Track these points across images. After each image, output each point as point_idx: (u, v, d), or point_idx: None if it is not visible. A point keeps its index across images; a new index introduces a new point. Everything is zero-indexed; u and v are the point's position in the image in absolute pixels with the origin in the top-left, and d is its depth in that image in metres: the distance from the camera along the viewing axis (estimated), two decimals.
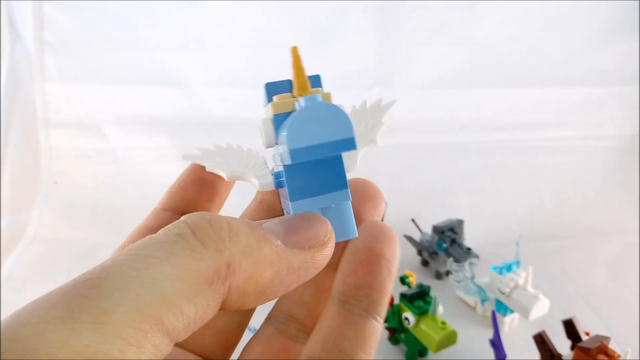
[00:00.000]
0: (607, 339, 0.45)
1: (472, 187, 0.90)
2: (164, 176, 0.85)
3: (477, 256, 0.69)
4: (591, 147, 0.93)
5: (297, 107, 0.17)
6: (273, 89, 0.19)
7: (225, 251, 0.14)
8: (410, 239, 0.76)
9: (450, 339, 0.52)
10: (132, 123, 0.84)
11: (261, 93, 0.20)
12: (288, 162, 0.16)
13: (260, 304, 0.16)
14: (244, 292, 0.14)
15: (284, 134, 0.17)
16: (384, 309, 0.17)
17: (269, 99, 0.19)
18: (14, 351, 0.10)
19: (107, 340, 0.11)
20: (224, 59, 0.83)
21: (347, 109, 0.19)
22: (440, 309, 0.56)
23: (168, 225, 0.14)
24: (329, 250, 0.16)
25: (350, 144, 0.16)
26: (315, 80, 0.20)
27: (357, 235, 0.18)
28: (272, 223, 0.16)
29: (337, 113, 0.16)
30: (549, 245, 0.81)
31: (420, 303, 0.54)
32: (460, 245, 0.70)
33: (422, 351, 0.55)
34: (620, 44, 0.87)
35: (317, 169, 0.18)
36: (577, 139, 0.92)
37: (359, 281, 0.17)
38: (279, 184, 0.19)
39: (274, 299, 0.16)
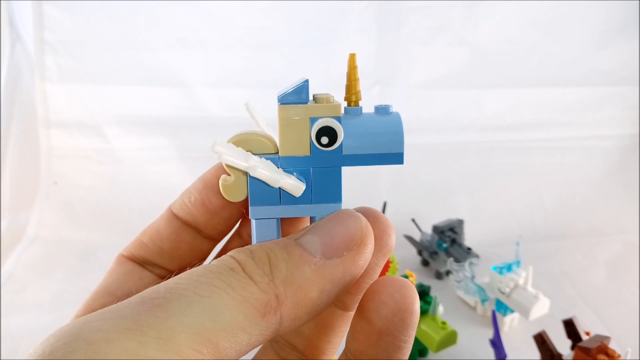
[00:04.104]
0: (608, 338, 0.45)
1: (472, 187, 0.90)
2: (164, 176, 0.86)
3: (477, 256, 0.69)
4: (591, 147, 0.93)
5: (353, 112, 0.18)
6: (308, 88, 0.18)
7: (271, 284, 0.14)
8: (410, 239, 0.76)
9: (450, 339, 0.52)
10: (132, 123, 0.84)
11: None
12: (399, 162, 0.17)
13: (313, 318, 0.16)
14: (295, 317, 0.15)
15: (391, 136, 0.18)
16: None
17: (305, 97, 0.18)
18: (85, 352, 0.11)
19: (168, 356, 0.12)
20: (224, 59, 0.83)
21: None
22: (440, 309, 0.56)
23: (219, 258, 0.15)
24: (369, 249, 0.16)
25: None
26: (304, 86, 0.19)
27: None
28: (308, 236, 0.16)
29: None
30: (549, 245, 0.81)
31: (420, 303, 0.54)
32: (460, 245, 0.70)
33: (422, 351, 0.55)
34: (620, 44, 0.87)
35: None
36: (577, 139, 0.92)
37: (360, 349, 0.16)
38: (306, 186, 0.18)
39: (325, 309, 0.16)
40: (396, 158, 0.17)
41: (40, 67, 0.79)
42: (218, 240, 0.22)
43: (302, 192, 0.18)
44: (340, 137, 0.17)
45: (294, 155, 0.18)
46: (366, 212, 0.18)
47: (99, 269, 0.21)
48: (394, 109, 0.18)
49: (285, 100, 0.18)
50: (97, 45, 0.80)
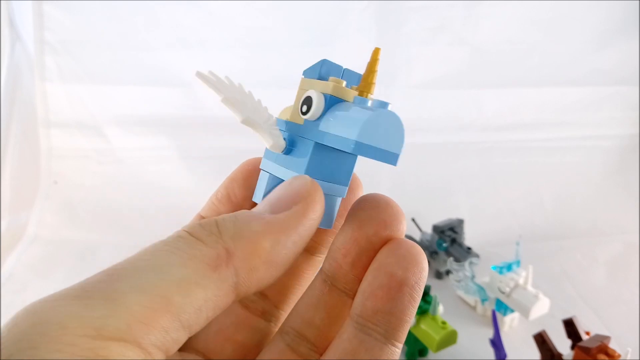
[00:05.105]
0: (608, 338, 0.45)
1: (472, 187, 0.90)
2: (164, 176, 0.86)
3: (477, 255, 0.69)
4: (591, 147, 0.93)
5: (359, 101, 0.18)
6: (329, 68, 0.19)
7: (220, 240, 0.15)
8: (410, 238, 0.76)
9: (450, 338, 0.52)
10: (132, 123, 0.84)
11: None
12: (349, 150, 0.17)
13: (277, 276, 0.16)
14: (250, 268, 0.15)
15: (354, 122, 0.17)
16: (403, 335, 0.17)
17: (321, 75, 0.19)
18: (30, 318, 0.12)
19: (116, 314, 0.12)
20: (224, 59, 0.83)
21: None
22: (440, 309, 0.56)
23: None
24: (316, 200, 0.17)
25: (394, 159, 0.17)
26: (357, 79, 0.20)
27: (331, 227, 0.19)
28: (259, 205, 0.17)
29: (400, 127, 0.17)
30: (549, 245, 0.81)
31: (420, 302, 0.54)
32: (461, 245, 0.70)
33: (422, 351, 0.55)
34: (620, 44, 0.87)
35: (335, 159, 0.19)
36: (577, 139, 0.92)
37: (378, 306, 0.17)
38: (288, 151, 0.19)
39: (287, 265, 0.16)
40: (349, 145, 0.17)
41: (40, 67, 0.79)
42: None
43: (271, 145, 0.18)
44: (314, 107, 0.18)
45: (294, 122, 0.19)
46: (376, 198, 0.18)
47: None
48: (393, 108, 0.18)
49: (305, 73, 0.19)
50: (97, 45, 0.80)
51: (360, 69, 0.19)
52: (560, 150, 0.92)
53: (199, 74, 0.18)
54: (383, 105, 0.18)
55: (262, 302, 0.21)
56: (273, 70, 0.83)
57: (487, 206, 0.88)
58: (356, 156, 0.19)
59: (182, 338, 0.14)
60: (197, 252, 0.14)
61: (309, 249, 0.21)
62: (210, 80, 0.18)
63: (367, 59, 0.19)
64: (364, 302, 0.17)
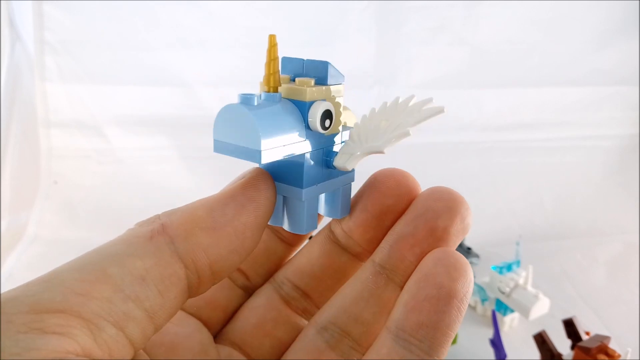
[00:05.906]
0: (608, 338, 0.45)
1: (472, 187, 0.90)
2: (164, 176, 0.85)
3: (477, 256, 0.69)
4: (591, 147, 0.93)
5: (268, 98, 0.17)
6: (286, 63, 0.19)
7: (157, 220, 0.16)
8: None
9: None
10: (132, 123, 0.84)
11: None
12: (214, 149, 0.17)
13: (235, 247, 0.16)
14: (186, 233, 0.15)
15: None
16: (446, 351, 0.16)
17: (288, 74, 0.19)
18: None
19: (51, 290, 0.13)
20: (224, 59, 0.83)
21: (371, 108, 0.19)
22: None
23: None
24: (257, 178, 0.17)
25: (256, 156, 0.16)
26: (320, 68, 0.18)
27: (303, 233, 0.19)
28: None
29: (249, 121, 0.16)
30: (549, 245, 0.81)
31: None
32: (460, 245, 0.70)
33: None
34: (620, 44, 0.87)
35: (284, 161, 0.18)
36: (577, 139, 0.93)
37: (424, 320, 0.15)
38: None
39: (243, 235, 0.16)
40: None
41: (40, 67, 0.79)
42: (294, 246, 0.21)
43: None
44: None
45: None
46: (450, 192, 0.18)
47: None
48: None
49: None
50: (97, 45, 0.80)
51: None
52: (560, 150, 0.92)
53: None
54: (246, 99, 0.16)
55: (304, 301, 0.20)
56: None
57: (487, 206, 0.88)
58: (301, 157, 0.18)
59: (136, 313, 0.13)
60: (134, 232, 0.15)
61: (356, 255, 0.20)
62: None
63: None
64: (407, 315, 0.16)
